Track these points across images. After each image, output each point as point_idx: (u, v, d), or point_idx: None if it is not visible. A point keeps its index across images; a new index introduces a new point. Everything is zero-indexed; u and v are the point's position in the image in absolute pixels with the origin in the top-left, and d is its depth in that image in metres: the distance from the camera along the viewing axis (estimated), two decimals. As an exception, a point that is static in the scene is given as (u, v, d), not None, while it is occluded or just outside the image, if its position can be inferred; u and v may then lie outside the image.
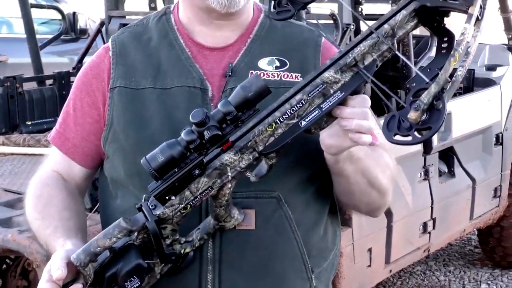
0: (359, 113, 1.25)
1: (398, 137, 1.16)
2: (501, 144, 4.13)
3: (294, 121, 1.25)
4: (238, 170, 1.27)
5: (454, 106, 3.58)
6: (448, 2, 1.17)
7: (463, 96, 3.84)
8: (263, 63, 1.46)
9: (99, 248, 1.24)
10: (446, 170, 3.76)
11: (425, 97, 1.12)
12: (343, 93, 1.23)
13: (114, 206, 1.50)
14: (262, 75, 1.43)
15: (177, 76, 1.45)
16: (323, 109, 1.23)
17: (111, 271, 1.25)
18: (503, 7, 4.21)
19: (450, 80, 1.14)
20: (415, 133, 1.14)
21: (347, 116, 1.25)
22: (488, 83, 4.12)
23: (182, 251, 1.32)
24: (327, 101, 1.23)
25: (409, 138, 1.14)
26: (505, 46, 4.37)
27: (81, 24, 6.03)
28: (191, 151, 1.24)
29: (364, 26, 4.10)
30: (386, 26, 1.21)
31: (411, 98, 1.15)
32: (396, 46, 1.22)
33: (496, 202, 4.16)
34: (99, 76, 1.51)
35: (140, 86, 1.46)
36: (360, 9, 4.10)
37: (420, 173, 3.48)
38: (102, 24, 4.41)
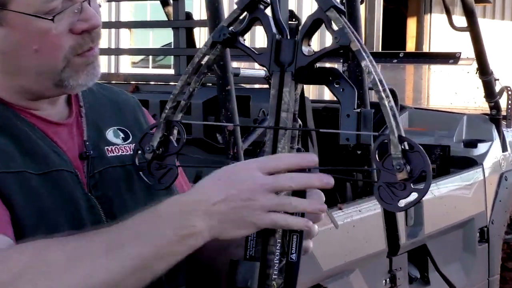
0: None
1: (403, 202, 1.16)
2: (487, 241, 3.90)
3: (284, 261, 1.25)
4: None
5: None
6: (324, 50, 1.23)
7: (437, 180, 3.51)
8: (110, 136, 1.48)
9: None
10: (418, 276, 3.52)
11: (395, 151, 1.15)
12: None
13: None
14: (116, 151, 1.47)
15: (43, 159, 1.35)
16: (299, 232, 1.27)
17: None
18: (483, 69, 3.91)
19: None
20: (412, 186, 1.15)
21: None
22: (468, 163, 3.92)
23: None
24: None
25: (415, 195, 1.14)
26: (487, 117, 4.16)
27: None
28: None
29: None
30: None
31: (377, 160, 1.18)
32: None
33: (484, 315, 3.95)
34: None
35: (12, 170, 1.32)
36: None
37: (385, 280, 3.19)
38: None
